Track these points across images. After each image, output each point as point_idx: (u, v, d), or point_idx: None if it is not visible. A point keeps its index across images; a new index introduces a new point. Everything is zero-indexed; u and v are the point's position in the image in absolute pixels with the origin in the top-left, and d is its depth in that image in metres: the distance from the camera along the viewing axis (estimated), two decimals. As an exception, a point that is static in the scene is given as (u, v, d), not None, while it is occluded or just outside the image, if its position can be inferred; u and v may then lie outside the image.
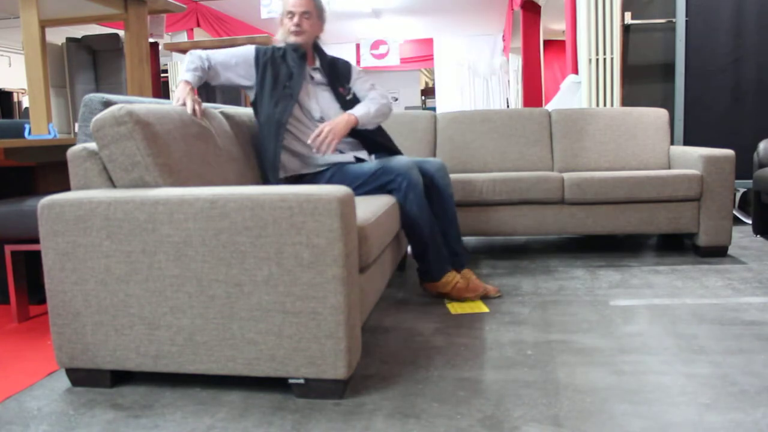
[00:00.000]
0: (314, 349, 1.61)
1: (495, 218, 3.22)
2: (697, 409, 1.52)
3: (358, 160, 2.55)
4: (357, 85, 2.62)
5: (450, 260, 2.53)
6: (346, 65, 2.65)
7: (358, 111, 2.46)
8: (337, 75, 2.60)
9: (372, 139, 2.61)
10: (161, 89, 6.52)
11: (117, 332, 1.70)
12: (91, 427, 1.52)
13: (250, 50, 2.49)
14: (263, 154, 2.41)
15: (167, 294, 1.66)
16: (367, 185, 2.41)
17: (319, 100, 2.53)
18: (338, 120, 2.40)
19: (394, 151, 2.63)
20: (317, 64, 2.58)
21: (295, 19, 2.46)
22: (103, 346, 1.71)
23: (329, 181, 2.45)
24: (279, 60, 2.47)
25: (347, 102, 2.56)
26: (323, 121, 2.48)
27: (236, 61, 2.46)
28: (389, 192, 2.43)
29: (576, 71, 4.62)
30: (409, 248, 2.58)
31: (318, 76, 2.56)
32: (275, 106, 2.39)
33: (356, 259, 1.68)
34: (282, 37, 2.53)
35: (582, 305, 2.40)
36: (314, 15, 2.49)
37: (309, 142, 2.37)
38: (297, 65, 2.46)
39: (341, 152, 2.54)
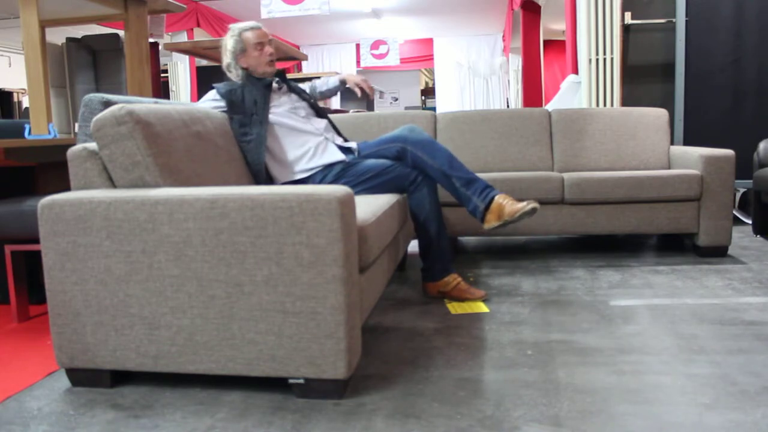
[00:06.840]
0: (314, 349, 1.61)
1: (495, 218, 3.22)
2: (697, 409, 1.52)
3: (346, 149, 2.59)
4: (303, 88, 2.73)
5: (453, 261, 2.54)
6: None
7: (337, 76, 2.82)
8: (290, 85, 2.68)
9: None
10: (161, 89, 6.52)
11: (117, 332, 1.70)
12: (91, 427, 1.52)
13: (212, 93, 2.50)
14: (252, 168, 2.41)
15: (167, 294, 1.66)
16: (379, 178, 2.44)
17: (293, 100, 2.60)
18: (354, 75, 2.79)
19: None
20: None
21: (267, 49, 2.51)
22: (103, 346, 1.72)
23: (340, 174, 2.46)
24: (240, 95, 2.46)
25: (312, 104, 2.67)
26: (309, 117, 2.57)
27: (211, 105, 2.48)
28: (401, 187, 2.45)
29: (576, 71, 4.62)
30: (410, 247, 2.58)
31: (283, 85, 2.61)
32: (260, 125, 2.42)
33: (356, 259, 1.68)
34: (260, 69, 2.53)
35: (582, 305, 2.40)
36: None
37: (359, 93, 2.76)
38: (261, 94, 2.48)
39: (339, 148, 2.58)
